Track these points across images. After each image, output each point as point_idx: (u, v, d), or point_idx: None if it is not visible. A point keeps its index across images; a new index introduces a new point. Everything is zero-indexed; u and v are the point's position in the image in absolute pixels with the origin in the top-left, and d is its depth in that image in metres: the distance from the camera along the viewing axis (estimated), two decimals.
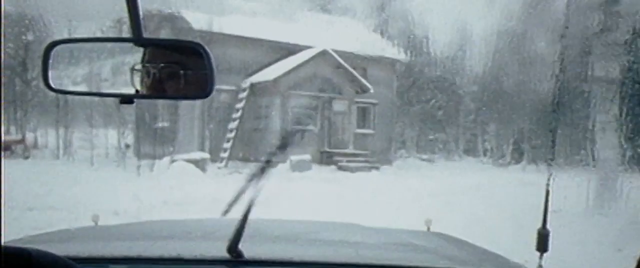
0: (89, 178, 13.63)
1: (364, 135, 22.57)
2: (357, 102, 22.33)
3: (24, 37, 17.67)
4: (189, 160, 17.16)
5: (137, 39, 1.26)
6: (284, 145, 1.60)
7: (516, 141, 26.65)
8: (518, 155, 26.44)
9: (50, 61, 1.27)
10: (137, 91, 1.29)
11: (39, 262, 0.96)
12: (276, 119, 20.44)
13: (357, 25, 20.16)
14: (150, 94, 1.34)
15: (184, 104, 17.28)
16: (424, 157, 27.21)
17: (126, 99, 1.31)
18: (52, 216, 8.50)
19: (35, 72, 20.03)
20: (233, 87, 20.02)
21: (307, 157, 19.32)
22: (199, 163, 17.29)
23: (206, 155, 18.27)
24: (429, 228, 2.34)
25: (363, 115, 23.05)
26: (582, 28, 10.46)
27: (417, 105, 27.30)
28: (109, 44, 1.44)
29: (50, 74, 1.27)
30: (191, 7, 18.96)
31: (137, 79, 1.29)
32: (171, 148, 18.33)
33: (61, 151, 21.47)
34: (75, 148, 21.05)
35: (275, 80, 19.98)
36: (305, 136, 20.64)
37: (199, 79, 1.26)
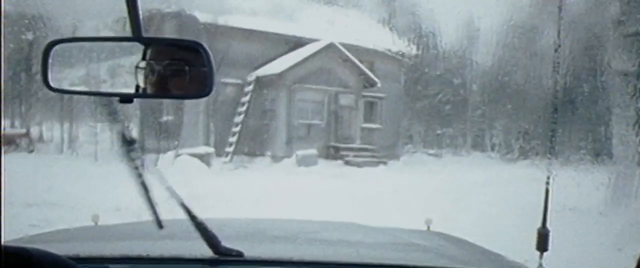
0: (92, 174, 13.48)
1: (371, 129, 22.36)
2: (364, 96, 22.13)
3: (30, 32, 17.60)
4: (193, 155, 17.03)
5: (137, 38, 1.27)
6: (129, 141, 1.43)
7: (525, 136, 26.35)
8: (526, 151, 26.15)
9: (50, 60, 1.26)
10: (136, 90, 1.31)
11: (39, 261, 0.97)
12: (282, 113, 20.28)
13: (364, 18, 19.91)
14: (150, 93, 1.35)
15: None
16: (431, 152, 27.04)
17: (125, 98, 1.31)
18: (50, 213, 8.34)
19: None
20: (239, 81, 19.88)
21: (314, 151, 19.19)
22: (204, 158, 17.14)
23: (211, 150, 18.13)
24: (429, 228, 2.34)
25: (370, 109, 22.85)
26: (599, 19, 10.22)
27: (425, 100, 27.08)
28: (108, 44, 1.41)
29: (49, 73, 1.27)
30: (196, 2, 18.81)
31: (137, 78, 1.30)
32: (176, 143, 18.18)
33: (65, 145, 21.39)
34: (81, 142, 20.97)
35: (282, 74, 19.80)
36: (311, 130, 20.49)
37: (199, 77, 1.26)
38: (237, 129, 19.73)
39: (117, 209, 8.42)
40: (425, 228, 2.33)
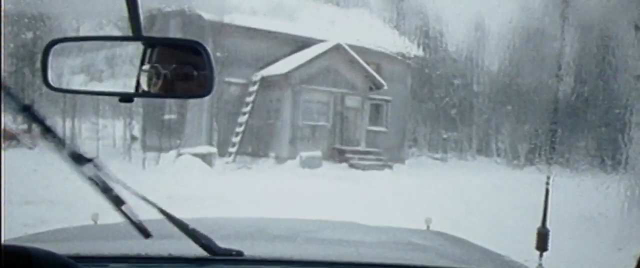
0: None
1: (376, 132, 22.11)
2: (370, 99, 21.90)
3: (33, 29, 17.53)
4: (195, 154, 16.85)
5: (137, 37, 1.27)
6: (78, 159, 1.32)
7: (532, 141, 26.09)
8: (533, 156, 25.89)
9: (50, 60, 1.26)
10: (136, 89, 1.31)
11: (39, 260, 0.96)
12: (287, 113, 20.07)
13: (372, 20, 19.71)
14: (150, 93, 1.33)
15: None
16: (436, 156, 26.93)
17: (125, 98, 1.31)
18: (47, 212, 8.14)
19: None
20: (243, 81, 19.71)
21: (318, 153, 18.98)
22: (206, 158, 16.95)
23: (214, 150, 17.93)
24: (428, 227, 2.34)
25: (376, 112, 22.60)
26: (611, 23, 10.00)
27: (431, 103, 26.92)
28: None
29: (49, 72, 1.26)
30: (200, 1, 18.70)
31: (138, 79, 1.29)
32: (178, 141, 18.00)
33: (68, 142, 21.27)
34: (83, 139, 20.84)
35: (287, 74, 19.59)
36: (316, 132, 20.27)
37: (199, 77, 1.25)
38: (240, 129, 19.52)
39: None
40: (425, 227, 2.34)
